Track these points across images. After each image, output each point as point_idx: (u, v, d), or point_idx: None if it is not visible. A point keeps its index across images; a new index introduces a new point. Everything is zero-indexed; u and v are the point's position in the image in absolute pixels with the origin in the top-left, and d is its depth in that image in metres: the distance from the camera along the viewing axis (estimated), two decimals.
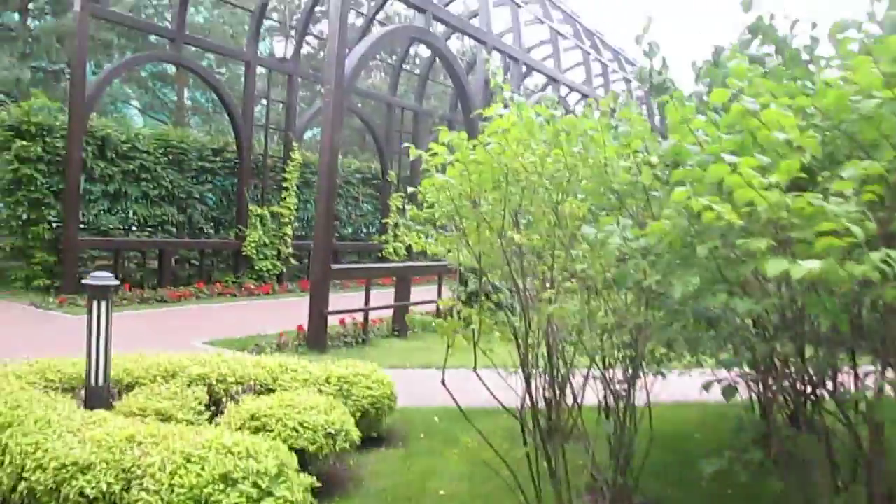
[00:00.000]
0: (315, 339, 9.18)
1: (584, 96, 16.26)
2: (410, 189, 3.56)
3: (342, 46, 9.23)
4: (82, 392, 4.67)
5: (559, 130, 2.93)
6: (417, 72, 21.31)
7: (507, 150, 2.91)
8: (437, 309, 11.80)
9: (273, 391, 4.95)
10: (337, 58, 9.15)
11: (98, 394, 4.65)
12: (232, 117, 14.84)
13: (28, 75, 12.86)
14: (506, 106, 3.15)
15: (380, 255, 18.58)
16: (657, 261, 2.46)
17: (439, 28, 13.54)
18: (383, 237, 18.39)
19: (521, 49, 13.54)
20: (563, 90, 15.26)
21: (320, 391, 4.97)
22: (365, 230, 19.78)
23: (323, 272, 9.23)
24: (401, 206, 19.07)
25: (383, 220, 18.51)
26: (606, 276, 2.82)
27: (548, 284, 3.17)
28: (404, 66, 20.17)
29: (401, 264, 11.20)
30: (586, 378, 3.88)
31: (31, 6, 14.95)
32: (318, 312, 9.22)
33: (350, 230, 19.22)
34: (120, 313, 11.23)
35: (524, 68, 13.70)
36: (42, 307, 11.16)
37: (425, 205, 3.46)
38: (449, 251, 3.52)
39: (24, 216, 12.15)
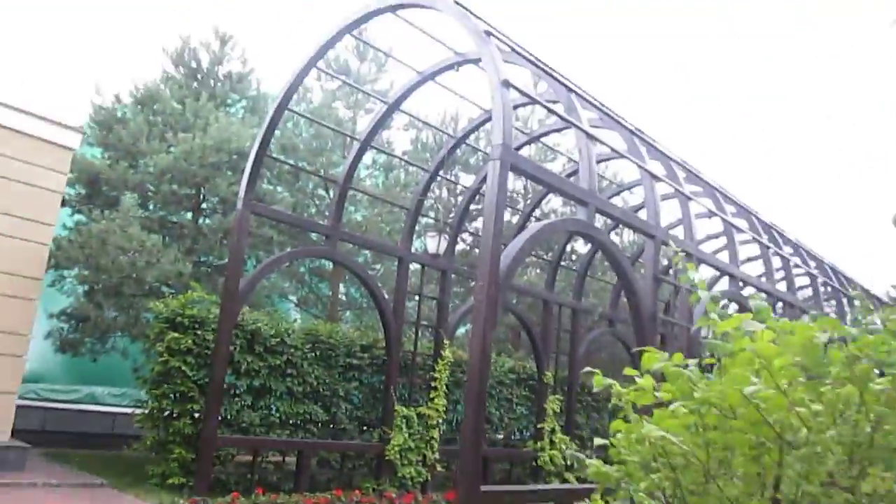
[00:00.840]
0: None
1: (766, 293, 14.62)
2: (598, 441, 2.42)
3: (497, 242, 8.47)
4: None
5: (854, 357, 1.72)
6: (575, 268, 20.49)
7: (773, 392, 1.71)
8: None
9: None
10: (491, 254, 8.37)
11: None
12: (382, 313, 14.37)
13: (189, 269, 13.06)
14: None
15: (534, 463, 16.93)
16: None
17: (599, 222, 12.80)
18: (538, 444, 16.86)
19: (692, 243, 12.39)
20: (739, 284, 13.74)
21: None
22: (518, 435, 18.26)
23: (469, 499, 7.90)
24: (558, 410, 17.60)
25: (538, 426, 16.99)
26: None
27: None
28: (562, 263, 19.44)
29: (560, 487, 9.67)
30: None
31: (203, 206, 15.65)
32: None
33: (501, 435, 17.77)
34: None
35: (697, 262, 12.44)
36: None
37: (615, 461, 2.26)
38: None
39: (169, 410, 11.83)
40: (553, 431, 17.46)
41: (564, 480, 17.47)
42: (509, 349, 21.73)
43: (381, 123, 13.76)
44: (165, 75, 17.10)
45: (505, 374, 17.74)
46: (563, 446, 17.88)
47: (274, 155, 15.45)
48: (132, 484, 11.98)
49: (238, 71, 17.40)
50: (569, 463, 17.65)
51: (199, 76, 17.04)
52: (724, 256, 14.24)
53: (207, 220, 15.59)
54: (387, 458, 13.87)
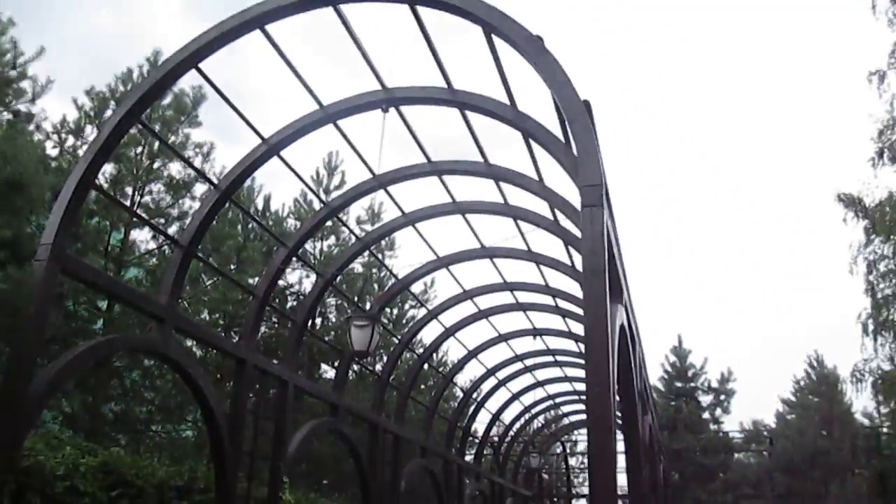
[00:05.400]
0: None
1: None
2: None
3: (604, 323, 5.41)
4: None
5: None
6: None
7: None
8: None
9: None
10: (600, 343, 5.30)
11: None
12: (217, 440, 9.76)
13: None
14: None
15: None
16: None
17: None
18: None
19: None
20: None
21: None
22: None
23: None
24: None
25: None
26: None
27: None
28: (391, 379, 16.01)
29: None
30: None
31: None
32: None
33: None
34: None
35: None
36: None
37: None
38: None
39: None
40: None
41: None
42: (319, 488, 17.27)
43: (253, 170, 9.79)
44: None
45: None
46: None
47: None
48: None
49: None
50: None
51: None
52: None
53: None
54: None
